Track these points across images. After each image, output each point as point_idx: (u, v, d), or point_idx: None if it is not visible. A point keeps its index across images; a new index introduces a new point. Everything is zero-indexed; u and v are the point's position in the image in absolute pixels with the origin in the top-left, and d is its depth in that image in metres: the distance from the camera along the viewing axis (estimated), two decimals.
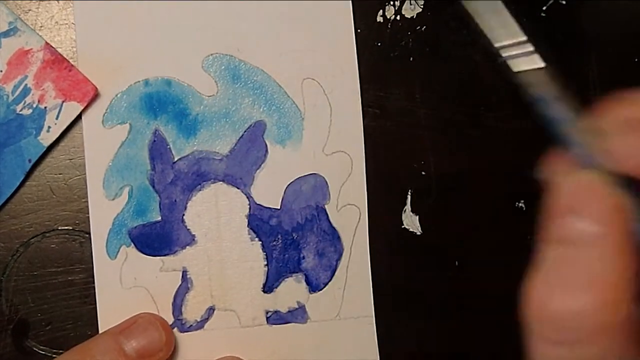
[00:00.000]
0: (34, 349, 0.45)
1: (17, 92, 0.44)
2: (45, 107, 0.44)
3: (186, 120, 0.46)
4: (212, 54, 0.46)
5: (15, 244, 0.45)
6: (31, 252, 0.45)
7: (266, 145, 0.46)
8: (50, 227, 0.45)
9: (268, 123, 0.47)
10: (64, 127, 0.45)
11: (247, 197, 0.46)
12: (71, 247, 0.45)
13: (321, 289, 0.46)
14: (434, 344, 0.48)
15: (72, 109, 0.45)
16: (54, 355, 0.45)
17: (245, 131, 0.46)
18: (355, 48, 0.47)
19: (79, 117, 0.45)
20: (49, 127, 0.44)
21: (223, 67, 0.46)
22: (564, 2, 0.50)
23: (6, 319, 0.45)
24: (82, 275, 0.45)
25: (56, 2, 0.46)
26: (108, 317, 0.45)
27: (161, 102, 0.46)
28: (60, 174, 0.45)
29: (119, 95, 0.45)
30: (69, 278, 0.45)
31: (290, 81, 0.47)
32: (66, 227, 0.45)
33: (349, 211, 0.47)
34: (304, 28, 0.47)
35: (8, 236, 0.45)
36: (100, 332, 0.45)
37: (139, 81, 0.46)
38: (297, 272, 0.46)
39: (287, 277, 0.46)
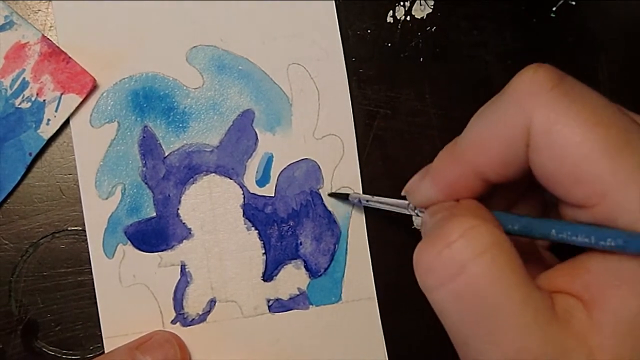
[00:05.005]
0: (44, 349, 0.45)
1: (16, 86, 0.45)
2: (44, 100, 0.45)
3: (174, 114, 0.46)
4: (195, 46, 0.46)
5: (25, 245, 0.45)
6: (41, 252, 0.45)
7: (256, 134, 0.46)
8: (60, 227, 0.46)
9: (256, 111, 0.46)
10: (64, 119, 0.45)
11: (241, 187, 0.46)
12: (81, 247, 0.45)
13: (321, 274, 0.46)
14: (441, 344, 0.48)
15: (71, 101, 0.45)
16: (64, 356, 0.45)
17: (234, 121, 0.46)
18: (338, 29, 0.47)
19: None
20: (49, 120, 0.45)
21: (207, 58, 0.46)
22: (573, 3, 0.49)
23: (15, 319, 0.45)
24: (91, 276, 0.45)
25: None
26: (110, 316, 0.45)
27: (147, 97, 0.46)
28: (70, 174, 0.45)
29: (104, 94, 0.45)
30: (79, 278, 0.45)
31: (275, 68, 0.46)
32: (76, 228, 0.45)
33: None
34: (286, 13, 0.47)
35: (17, 237, 0.45)
36: (102, 332, 0.45)
37: (123, 78, 0.46)
38: (295, 259, 0.46)
39: (286, 264, 0.46)
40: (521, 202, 0.38)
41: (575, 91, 0.30)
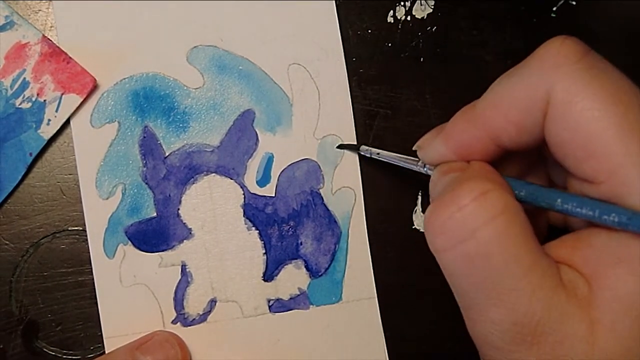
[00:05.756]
0: (44, 349, 0.45)
1: (16, 86, 0.45)
2: (45, 100, 0.45)
3: (175, 114, 0.46)
4: (195, 46, 0.46)
5: (26, 245, 0.45)
6: (41, 252, 0.45)
7: (256, 134, 0.46)
8: (60, 227, 0.46)
9: (257, 111, 0.46)
10: (64, 119, 0.45)
11: (241, 187, 0.46)
12: (81, 247, 0.45)
13: (321, 274, 0.46)
14: (442, 345, 0.48)
15: (72, 101, 0.45)
16: (64, 356, 0.45)
17: (234, 121, 0.46)
18: (338, 29, 0.47)
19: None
20: (49, 120, 0.45)
21: (208, 58, 0.46)
22: (573, 3, 0.49)
23: (16, 319, 0.45)
24: (92, 276, 0.45)
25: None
26: (110, 316, 0.45)
27: (148, 97, 0.46)
28: (70, 174, 0.45)
29: (105, 94, 0.45)
30: (79, 279, 0.45)
31: (276, 68, 0.47)
32: (76, 228, 0.45)
33: (344, 194, 0.47)
34: (286, 13, 0.47)
35: (18, 237, 0.45)
36: (103, 332, 0.45)
37: (124, 78, 0.46)
38: (296, 259, 0.46)
39: (287, 264, 0.46)
40: (527, 177, 0.38)
41: (599, 67, 0.31)
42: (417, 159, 0.39)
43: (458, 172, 0.35)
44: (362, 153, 0.46)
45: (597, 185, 0.30)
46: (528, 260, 0.30)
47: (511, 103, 0.33)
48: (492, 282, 0.30)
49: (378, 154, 0.44)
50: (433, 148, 0.37)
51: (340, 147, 0.46)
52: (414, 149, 0.39)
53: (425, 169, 0.39)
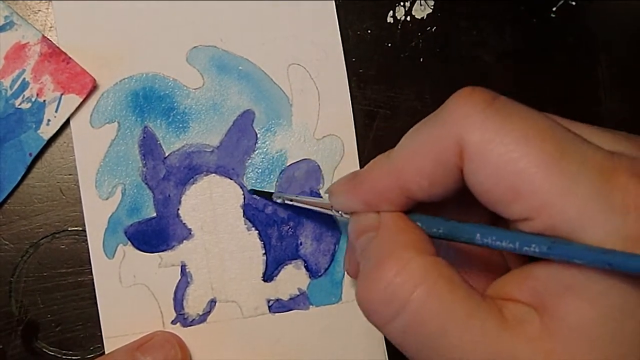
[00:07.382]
0: (44, 350, 0.45)
1: (16, 86, 0.44)
2: (44, 101, 0.45)
3: (174, 114, 0.46)
4: (195, 46, 0.46)
5: (25, 245, 0.45)
6: (41, 253, 0.45)
7: (256, 134, 0.46)
8: (60, 227, 0.46)
9: (256, 111, 0.46)
10: (64, 120, 0.45)
11: (241, 187, 0.46)
12: (81, 247, 0.45)
13: (321, 274, 0.46)
14: None
15: (71, 101, 0.45)
16: (64, 357, 0.45)
17: (234, 121, 0.46)
18: (338, 29, 0.47)
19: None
20: (49, 120, 0.45)
21: (207, 58, 0.46)
22: (573, 3, 0.49)
23: (16, 320, 0.45)
24: (91, 276, 0.45)
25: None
26: (110, 316, 0.45)
27: (148, 98, 0.46)
28: (70, 174, 0.45)
29: (104, 95, 0.45)
30: (79, 279, 0.45)
31: (275, 68, 0.46)
32: (76, 228, 0.45)
33: None
34: (286, 13, 0.47)
35: (18, 237, 0.45)
36: (103, 332, 0.45)
37: (124, 78, 0.46)
38: (296, 259, 0.46)
39: (287, 265, 0.46)
40: (473, 209, 0.38)
41: (507, 109, 0.31)
42: (330, 205, 0.39)
43: (372, 231, 0.35)
44: (275, 200, 0.45)
45: (530, 222, 0.30)
46: (462, 314, 0.30)
47: (423, 157, 0.33)
48: (436, 345, 0.31)
49: (291, 200, 0.44)
50: (343, 197, 0.37)
51: (253, 192, 0.46)
52: (324, 193, 0.39)
53: (339, 214, 0.39)
